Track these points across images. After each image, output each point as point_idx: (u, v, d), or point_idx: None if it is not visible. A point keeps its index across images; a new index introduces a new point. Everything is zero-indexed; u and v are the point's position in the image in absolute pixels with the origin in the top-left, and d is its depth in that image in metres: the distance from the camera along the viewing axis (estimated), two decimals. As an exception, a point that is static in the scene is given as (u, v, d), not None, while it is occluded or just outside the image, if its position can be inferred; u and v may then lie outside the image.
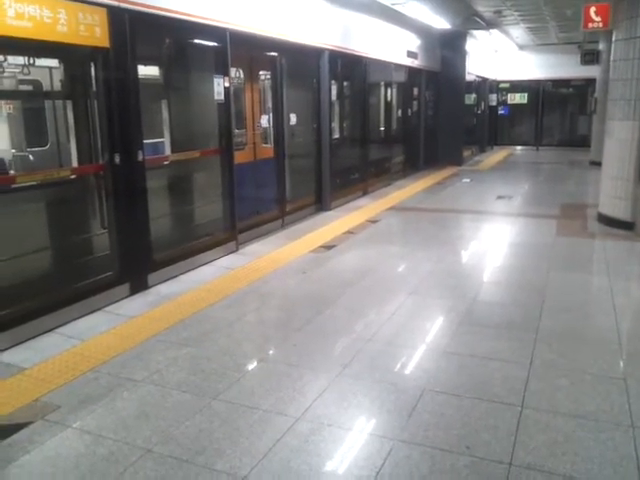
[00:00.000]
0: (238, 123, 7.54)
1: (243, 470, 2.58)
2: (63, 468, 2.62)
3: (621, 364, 3.60)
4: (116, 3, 4.49)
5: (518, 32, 15.82)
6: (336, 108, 9.53)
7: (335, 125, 9.44)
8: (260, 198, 7.42)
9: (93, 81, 4.61)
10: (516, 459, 2.63)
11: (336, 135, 9.48)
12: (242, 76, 7.44)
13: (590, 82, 16.74)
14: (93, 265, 4.89)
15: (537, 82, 19.37)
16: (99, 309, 4.53)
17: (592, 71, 15.75)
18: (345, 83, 9.94)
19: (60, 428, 2.93)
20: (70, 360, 3.69)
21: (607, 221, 7.41)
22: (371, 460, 2.65)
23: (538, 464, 2.60)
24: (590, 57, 15.77)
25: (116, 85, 4.57)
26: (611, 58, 7.48)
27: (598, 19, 7.87)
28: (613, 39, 7.45)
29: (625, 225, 7.07)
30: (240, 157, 6.74)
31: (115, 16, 4.48)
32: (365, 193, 10.09)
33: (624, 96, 7.00)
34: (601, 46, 14.66)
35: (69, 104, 5.04)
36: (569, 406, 3.08)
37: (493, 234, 7.44)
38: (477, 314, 4.51)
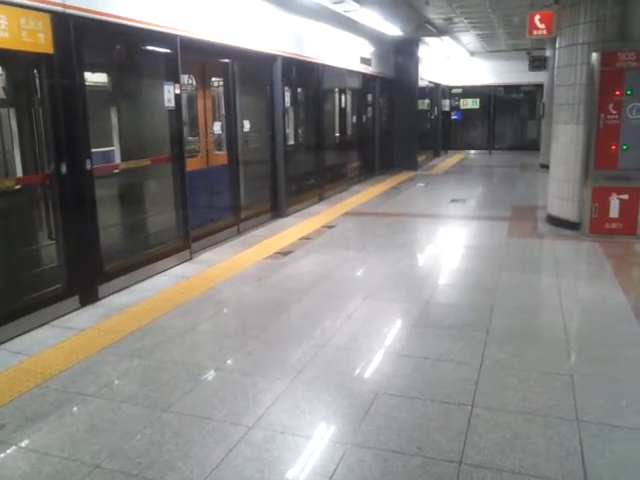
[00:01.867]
0: (191, 130, 7.48)
1: (194, 482, 2.54)
2: (6, 489, 2.54)
3: (567, 361, 3.71)
4: (61, 9, 4.40)
5: (469, 39, 16.20)
6: (290, 114, 9.53)
7: (290, 131, 9.45)
8: (214, 205, 7.36)
9: (37, 88, 4.49)
10: (466, 458, 2.67)
11: (291, 141, 9.48)
12: (194, 83, 7.38)
13: (539, 87, 17.28)
14: (40, 277, 4.75)
15: (488, 87, 19.88)
16: (47, 323, 4.40)
17: (540, 77, 16.26)
18: (299, 90, 9.96)
19: (4, 447, 2.83)
20: (16, 376, 3.57)
21: (555, 222, 7.63)
22: (324, 465, 2.65)
23: (487, 462, 2.64)
24: (538, 63, 16.28)
25: (61, 92, 4.46)
26: (556, 64, 7.73)
27: (542, 26, 8.11)
28: (557, 46, 7.70)
29: (572, 225, 7.29)
30: (193, 164, 6.67)
31: (59, 22, 4.38)
32: (321, 199, 10.12)
33: (568, 100, 7.24)
34: (548, 52, 15.13)
35: (12, 112, 4.90)
36: (517, 404, 3.15)
37: (447, 237, 7.57)
38: (431, 316, 4.57)
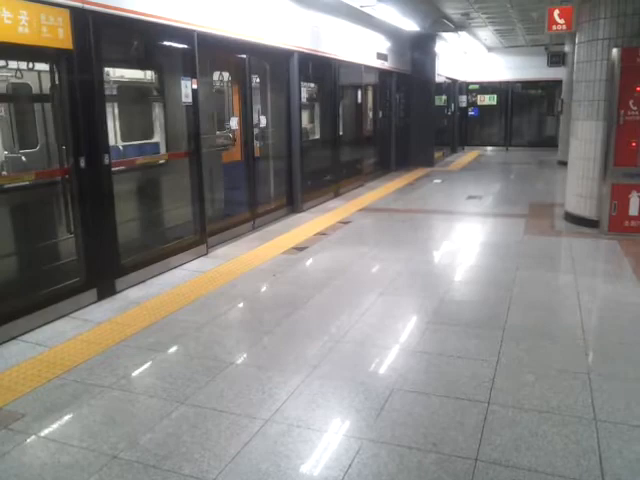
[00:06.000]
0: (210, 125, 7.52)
1: (211, 474, 2.56)
2: (26, 478, 2.57)
3: (585, 359, 3.67)
4: (79, 4, 4.43)
5: (486, 34, 16.05)
6: (307, 110, 9.53)
7: (306, 127, 9.45)
8: (230, 200, 7.40)
9: (57, 83, 4.53)
10: (482, 455, 2.67)
11: (314, 136, 9.48)
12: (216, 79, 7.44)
13: (557, 83, 17.07)
14: (59, 271, 4.82)
15: (506, 83, 19.68)
16: (66, 315, 4.46)
17: (559, 73, 16.07)
18: (316, 85, 9.95)
19: (24, 437, 2.87)
20: (36, 367, 3.62)
21: (573, 219, 7.56)
22: (340, 460, 2.66)
23: (503, 459, 2.63)
24: (556, 59, 16.07)
25: (80, 87, 4.50)
26: (575, 60, 7.64)
27: (562, 21, 8.02)
28: (576, 41, 7.61)
29: (590, 223, 7.21)
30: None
31: (78, 17, 4.41)
32: (337, 194, 10.11)
33: (587, 97, 7.15)
34: (567, 48, 14.95)
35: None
36: (534, 402, 3.13)
37: (463, 234, 7.53)
38: (446, 313, 4.55)
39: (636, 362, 3.61)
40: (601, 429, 2.86)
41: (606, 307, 4.76)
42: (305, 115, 9.37)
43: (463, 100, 19.61)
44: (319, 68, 9.49)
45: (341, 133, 10.38)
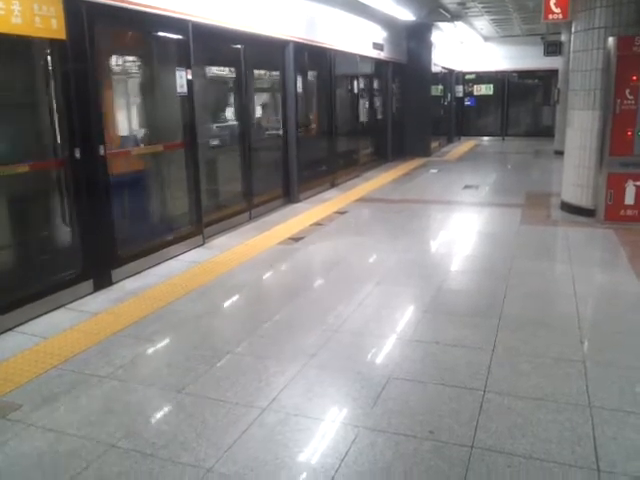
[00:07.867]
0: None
1: (208, 462, 2.57)
2: (25, 467, 2.59)
3: (580, 348, 3.69)
4: (72, -6, 4.40)
5: (482, 24, 16.00)
6: (303, 100, 9.49)
7: (301, 117, 9.41)
8: (226, 191, 7.39)
9: (51, 74, 4.50)
10: (478, 442, 2.68)
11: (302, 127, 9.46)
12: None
13: (553, 73, 17.04)
14: (55, 262, 4.80)
15: (502, 73, 19.65)
16: (62, 306, 4.45)
17: (555, 62, 16.02)
18: (311, 75, 9.91)
19: (22, 427, 2.88)
20: (33, 358, 3.62)
21: (570, 209, 7.57)
22: (336, 448, 2.67)
23: (499, 446, 2.65)
24: (553, 48, 16.05)
25: (75, 78, 4.47)
26: (571, 49, 7.62)
27: (558, 10, 7.97)
28: (572, 30, 7.59)
29: (587, 212, 7.23)
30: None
31: (72, 8, 4.37)
32: (333, 185, 10.10)
33: (584, 86, 7.14)
34: (563, 37, 14.91)
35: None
36: (530, 389, 3.15)
37: (459, 224, 7.54)
38: (442, 302, 4.56)
39: (631, 350, 3.64)
40: (596, 416, 2.88)
41: (602, 296, 4.78)
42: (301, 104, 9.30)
43: (459, 90, 19.59)
44: (315, 58, 9.44)
45: (337, 123, 10.35)
